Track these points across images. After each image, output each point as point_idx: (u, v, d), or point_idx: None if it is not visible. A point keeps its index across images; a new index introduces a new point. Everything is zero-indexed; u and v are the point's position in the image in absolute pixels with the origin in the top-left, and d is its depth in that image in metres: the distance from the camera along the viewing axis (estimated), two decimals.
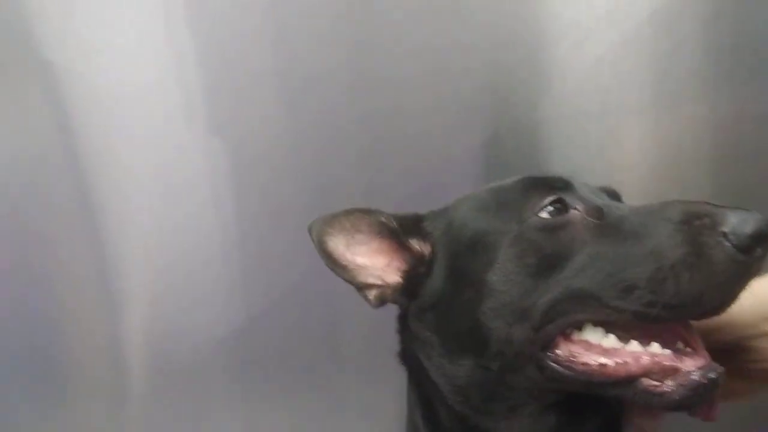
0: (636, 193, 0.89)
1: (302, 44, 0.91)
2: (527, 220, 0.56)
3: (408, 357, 0.68)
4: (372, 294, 0.66)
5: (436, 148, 0.93)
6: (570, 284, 0.53)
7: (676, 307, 0.49)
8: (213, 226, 0.97)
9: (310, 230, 0.64)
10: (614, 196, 0.65)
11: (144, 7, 0.90)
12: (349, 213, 0.65)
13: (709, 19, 0.86)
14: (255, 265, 0.98)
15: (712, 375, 0.50)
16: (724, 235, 0.47)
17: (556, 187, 0.58)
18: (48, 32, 0.91)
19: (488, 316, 0.57)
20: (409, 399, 0.69)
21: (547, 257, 0.55)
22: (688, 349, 0.52)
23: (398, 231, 0.65)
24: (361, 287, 0.66)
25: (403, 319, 0.68)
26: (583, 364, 0.53)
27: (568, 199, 0.56)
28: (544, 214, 0.56)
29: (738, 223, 0.47)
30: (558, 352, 0.54)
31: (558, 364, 0.54)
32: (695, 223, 0.49)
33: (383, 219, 0.65)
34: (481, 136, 0.91)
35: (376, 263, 0.65)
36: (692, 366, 0.50)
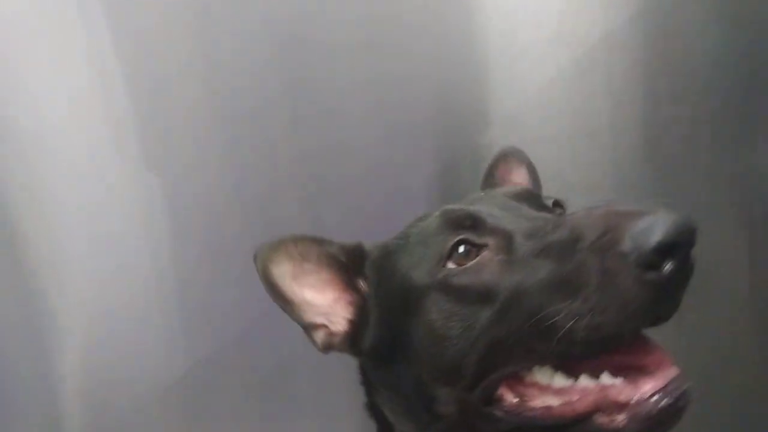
0: None
1: (239, 76, 0.88)
2: (437, 275, 0.53)
3: (375, 410, 0.64)
4: (319, 337, 0.63)
5: (387, 180, 0.91)
6: (492, 336, 0.49)
7: (596, 342, 0.44)
8: (150, 269, 0.93)
9: (255, 257, 0.61)
10: (531, 197, 0.61)
11: (66, 35, 0.86)
12: (297, 239, 0.62)
13: (659, 40, 0.86)
14: (197, 308, 0.94)
15: (668, 401, 0.45)
16: (624, 255, 0.41)
17: (462, 225, 0.54)
18: None
19: (427, 380, 0.54)
20: None
21: (464, 310, 0.52)
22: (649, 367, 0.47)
23: (347, 266, 0.62)
24: (308, 327, 0.63)
25: (363, 370, 0.65)
26: (531, 409, 0.50)
27: (476, 237, 0.53)
28: (451, 264, 0.53)
29: (637, 237, 0.41)
30: (504, 402, 0.51)
31: (506, 413, 0.51)
32: (600, 243, 0.43)
33: (333, 251, 0.62)
34: (434, 165, 0.90)
35: (323, 299, 0.62)
36: (650, 389, 0.45)
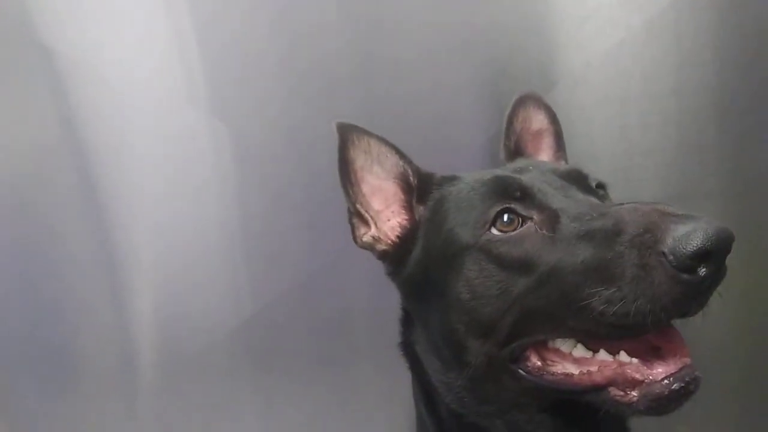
0: (657, 177, 0.88)
1: (310, 34, 0.90)
2: (481, 236, 0.56)
3: (407, 349, 0.67)
4: (361, 231, 0.65)
5: (451, 138, 0.92)
6: (528, 305, 0.52)
7: (624, 327, 0.47)
8: (217, 214, 0.97)
9: (339, 129, 0.63)
10: (579, 179, 0.62)
11: None
12: (381, 142, 0.64)
13: (731, 5, 0.85)
14: (262, 255, 0.98)
15: (679, 384, 0.48)
16: (664, 255, 0.44)
17: (512, 196, 0.56)
18: (52, 23, 0.91)
19: (460, 330, 0.56)
20: (414, 389, 0.69)
21: (502, 274, 0.54)
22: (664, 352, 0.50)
23: (413, 189, 0.64)
24: (355, 214, 0.65)
25: (406, 310, 0.67)
26: (552, 374, 0.53)
27: (522, 208, 0.55)
28: (495, 231, 0.55)
29: (679, 240, 0.44)
30: (529, 363, 0.55)
31: (529, 374, 0.55)
32: (641, 240, 0.46)
33: (407, 168, 0.64)
34: (498, 121, 0.90)
35: (374, 202, 0.64)
36: (661, 374, 0.48)
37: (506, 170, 0.62)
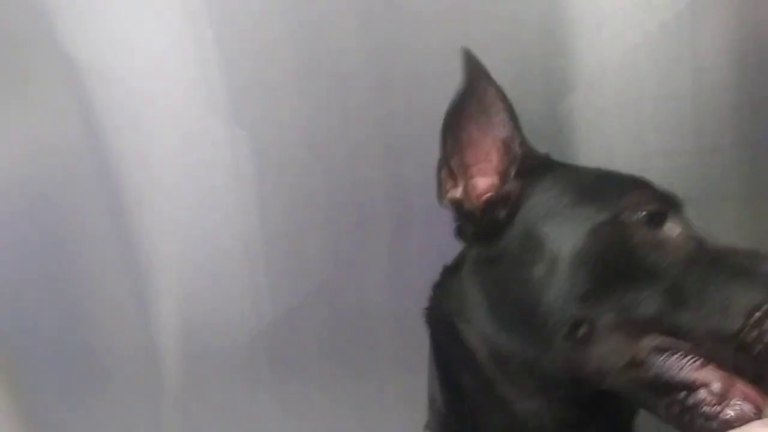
0: (674, 180, 0.87)
1: (327, 39, 0.91)
2: (622, 213, 0.52)
3: (436, 315, 0.64)
4: (447, 187, 0.61)
5: None
6: (667, 320, 0.48)
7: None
8: (238, 218, 0.98)
9: (467, 63, 0.59)
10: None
11: (168, 4, 0.91)
12: (498, 94, 0.60)
13: (749, 6, 0.85)
14: (283, 258, 0.98)
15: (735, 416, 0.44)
16: None
17: (668, 201, 0.54)
18: (75, 30, 0.92)
19: (555, 303, 0.52)
20: (429, 368, 0.66)
21: (635, 263, 0.50)
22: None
23: (516, 160, 0.59)
24: (443, 165, 0.61)
25: (448, 271, 0.64)
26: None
27: (672, 217, 0.53)
28: (638, 216, 0.52)
29: None
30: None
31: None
32: None
33: (515, 137, 0.60)
34: None
35: (468, 154, 0.60)
36: (742, 402, 0.45)
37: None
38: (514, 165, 0.60)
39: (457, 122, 0.59)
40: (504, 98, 0.60)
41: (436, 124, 0.92)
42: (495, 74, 0.89)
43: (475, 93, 0.59)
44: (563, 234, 0.53)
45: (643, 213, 0.52)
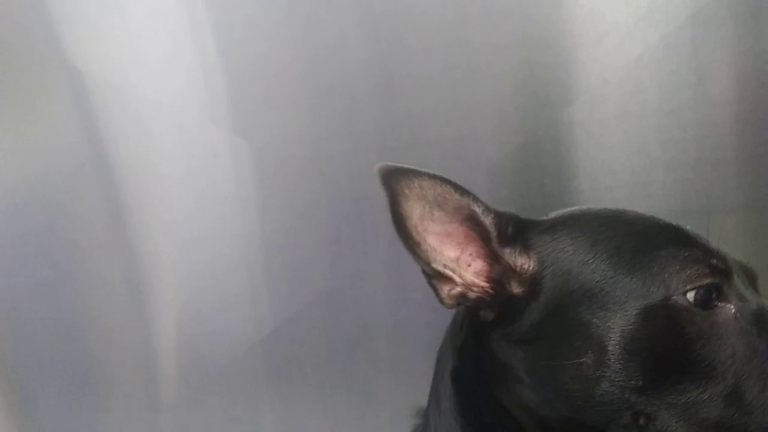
0: (676, 192, 0.88)
1: (328, 49, 0.91)
2: (671, 295, 0.47)
3: (466, 377, 0.57)
4: (447, 290, 0.54)
5: (469, 151, 0.93)
6: (730, 423, 0.45)
7: None
8: (239, 231, 0.99)
9: (381, 175, 0.51)
10: (750, 277, 0.54)
11: (170, 16, 0.93)
12: (435, 181, 0.52)
13: (750, 19, 0.85)
14: (282, 268, 0.99)
15: None
16: None
17: (716, 267, 0.48)
18: (80, 45, 0.93)
19: (612, 393, 0.47)
20: (444, 423, 0.59)
21: (693, 354, 0.46)
22: None
23: (490, 232, 0.53)
24: (433, 276, 0.54)
25: (469, 333, 0.58)
26: None
27: (727, 290, 0.47)
28: (690, 296, 0.46)
29: None
30: None
31: None
32: None
33: (477, 210, 0.53)
34: (517, 138, 0.91)
35: (450, 252, 0.54)
36: None
37: (700, 238, 0.52)
38: (491, 236, 0.54)
39: (414, 234, 0.53)
40: (441, 180, 0.52)
41: (436, 134, 0.92)
42: (498, 85, 0.90)
43: (411, 197, 0.51)
44: (608, 317, 0.47)
45: (696, 291, 0.47)
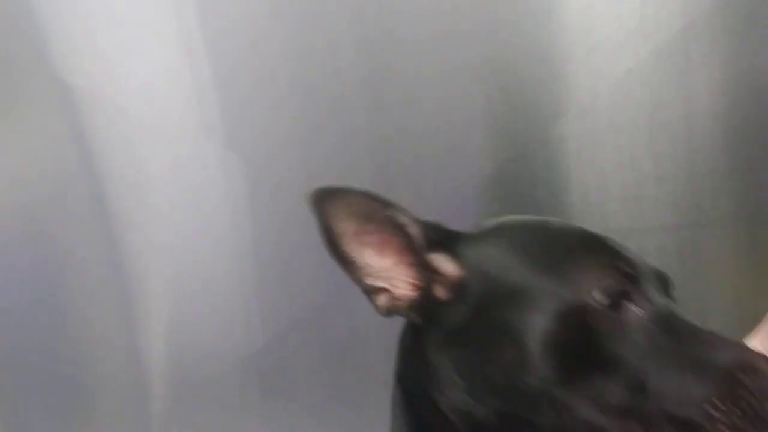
0: (668, 205, 0.89)
1: (321, 64, 0.92)
2: (582, 296, 0.50)
3: (409, 382, 0.61)
4: (381, 300, 0.57)
5: (459, 165, 0.93)
6: (633, 406, 0.48)
7: None
8: (230, 242, 0.98)
9: (313, 202, 0.55)
10: (664, 284, 0.57)
11: (161, 30, 0.92)
12: (364, 197, 0.55)
13: (740, 33, 0.86)
14: (274, 281, 0.98)
15: None
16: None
17: (625, 273, 0.51)
18: (70, 57, 0.93)
19: (534, 386, 0.51)
20: (396, 426, 0.63)
21: (602, 351, 0.49)
22: None
23: (416, 241, 0.56)
24: (370, 291, 0.57)
25: (411, 338, 0.60)
26: None
27: (635, 294, 0.51)
28: (599, 297, 0.50)
29: None
30: None
31: None
32: (744, 379, 0.46)
33: (402, 221, 0.56)
34: (507, 152, 0.91)
35: (382, 262, 0.56)
36: None
37: (612, 242, 0.55)
38: (418, 245, 0.56)
39: (349, 250, 0.56)
40: (368, 196, 0.55)
41: (427, 147, 0.93)
42: (489, 99, 0.91)
43: (342, 215, 0.55)
44: (528, 317, 0.51)
45: (605, 293, 0.50)
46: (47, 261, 1.00)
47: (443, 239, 0.57)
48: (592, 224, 0.86)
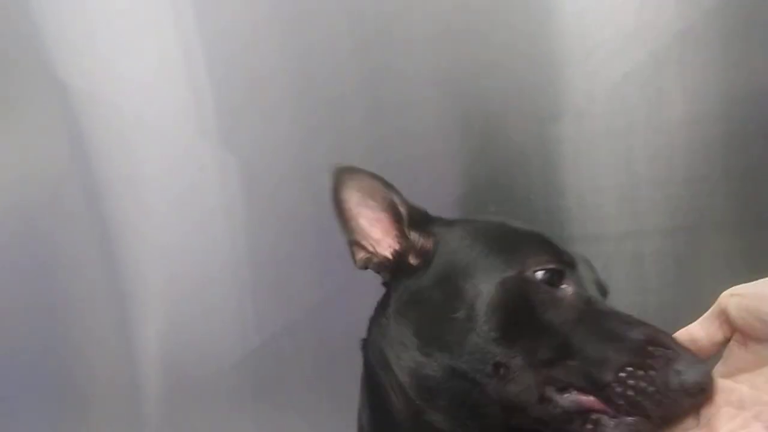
0: (664, 209, 0.89)
1: (319, 65, 0.92)
2: (525, 271, 0.60)
3: (371, 348, 0.70)
4: (359, 255, 0.70)
5: (456, 166, 0.93)
6: (560, 366, 0.56)
7: (635, 404, 0.51)
8: (225, 244, 0.98)
9: (333, 173, 0.68)
10: (603, 291, 0.67)
11: (157, 30, 0.92)
12: (372, 177, 0.69)
13: (737, 37, 0.86)
14: (269, 283, 0.98)
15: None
16: (678, 373, 0.50)
17: (563, 259, 0.62)
18: (66, 57, 0.93)
19: (478, 345, 0.60)
20: (360, 397, 0.73)
21: (536, 316, 0.59)
22: None
23: (404, 218, 0.69)
24: (353, 244, 0.70)
25: (379, 311, 0.71)
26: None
27: (569, 278, 0.61)
28: (539, 274, 0.60)
29: (687, 367, 0.50)
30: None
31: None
32: (653, 351, 0.52)
33: (397, 201, 0.69)
34: (504, 154, 0.91)
35: (372, 232, 0.70)
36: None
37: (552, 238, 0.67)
38: (404, 221, 0.69)
39: (347, 213, 0.69)
40: (376, 177, 0.69)
41: (423, 149, 0.93)
42: (485, 102, 0.91)
43: (351, 186, 0.68)
44: (477, 284, 0.62)
45: (544, 271, 0.60)
46: (42, 261, 1.00)
47: (424, 220, 0.70)
48: (588, 226, 0.87)
